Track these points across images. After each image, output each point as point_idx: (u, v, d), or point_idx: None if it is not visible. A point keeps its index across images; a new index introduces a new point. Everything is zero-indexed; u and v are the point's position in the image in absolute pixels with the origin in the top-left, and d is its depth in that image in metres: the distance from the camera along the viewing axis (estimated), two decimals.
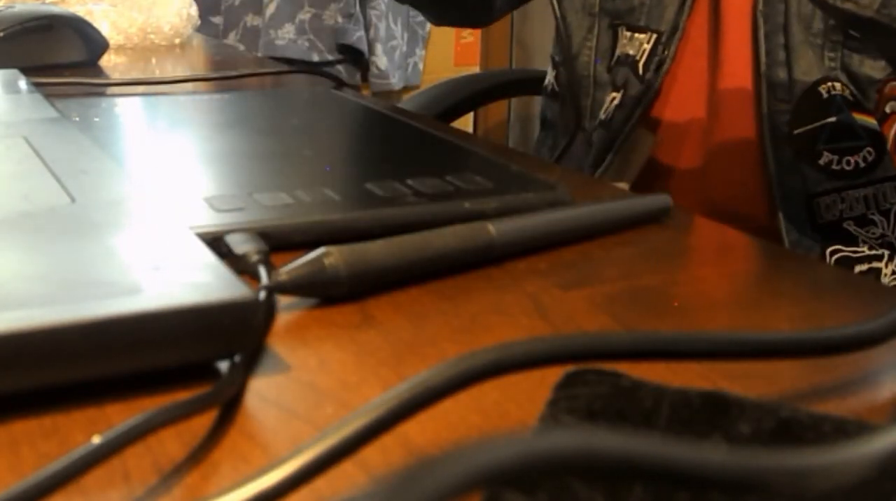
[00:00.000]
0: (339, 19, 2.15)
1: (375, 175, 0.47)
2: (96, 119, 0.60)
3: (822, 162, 0.74)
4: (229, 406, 0.27)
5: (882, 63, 0.73)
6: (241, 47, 2.01)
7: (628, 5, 0.81)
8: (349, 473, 0.24)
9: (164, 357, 0.28)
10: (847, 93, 0.74)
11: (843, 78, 0.74)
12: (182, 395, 0.26)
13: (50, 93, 0.63)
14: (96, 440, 0.23)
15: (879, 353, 0.30)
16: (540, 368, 0.25)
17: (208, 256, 0.31)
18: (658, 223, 0.46)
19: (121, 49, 0.98)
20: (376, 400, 0.22)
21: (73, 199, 0.37)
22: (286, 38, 2.12)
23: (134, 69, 0.89)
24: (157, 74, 0.86)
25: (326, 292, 0.35)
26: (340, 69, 2.16)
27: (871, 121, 0.75)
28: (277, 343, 0.32)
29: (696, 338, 0.27)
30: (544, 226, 0.42)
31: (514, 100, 1.52)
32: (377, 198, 0.44)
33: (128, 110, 0.64)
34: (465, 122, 1.55)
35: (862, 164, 0.74)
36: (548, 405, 0.26)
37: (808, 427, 0.25)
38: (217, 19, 2.17)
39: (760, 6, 0.75)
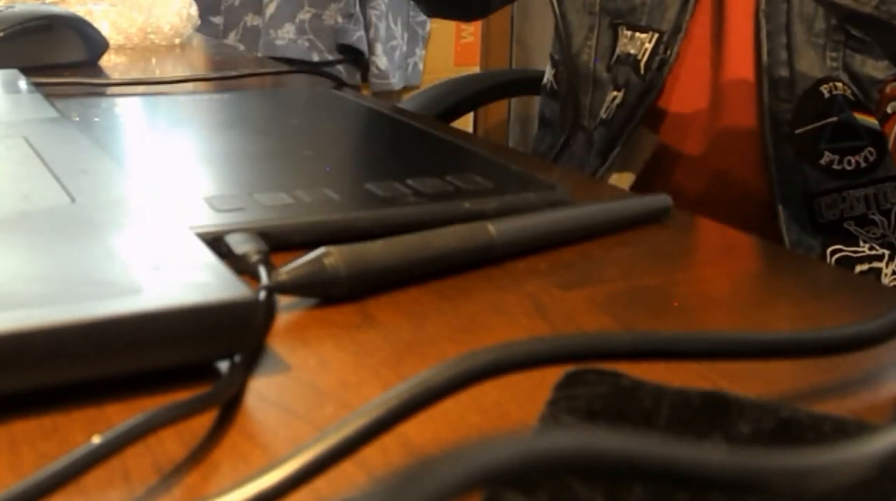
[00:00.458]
0: (339, 19, 2.15)
1: (375, 175, 0.47)
2: (96, 119, 0.60)
3: (823, 161, 0.74)
4: (229, 406, 0.27)
5: (884, 63, 0.73)
6: (241, 47, 2.01)
7: (629, 5, 0.81)
8: (349, 473, 0.24)
9: (164, 357, 0.28)
10: (848, 93, 0.74)
11: (845, 78, 0.74)
12: (182, 395, 0.26)
13: (50, 93, 0.63)
14: (96, 440, 0.23)
15: (879, 353, 0.30)
16: (540, 368, 0.25)
17: (208, 256, 0.31)
18: (658, 223, 0.46)
19: (121, 49, 0.98)
20: (376, 400, 0.22)
21: (73, 199, 0.37)
22: (286, 38, 2.12)
23: (134, 69, 0.89)
24: (157, 74, 0.86)
25: (326, 292, 0.35)
26: (340, 69, 2.16)
27: (872, 121, 0.75)
28: (277, 343, 0.32)
29: (696, 338, 0.27)
30: (544, 226, 0.42)
31: (514, 100, 1.52)
32: (377, 198, 0.44)
33: (128, 110, 0.64)
34: (465, 122, 1.55)
35: (863, 164, 0.74)
36: (548, 405, 0.26)
37: (808, 427, 0.25)
38: (217, 19, 2.17)
39: (763, 6, 0.75)
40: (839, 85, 0.74)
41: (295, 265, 0.35)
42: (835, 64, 0.74)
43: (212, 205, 0.41)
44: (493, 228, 0.40)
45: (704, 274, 0.41)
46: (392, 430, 0.22)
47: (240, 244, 0.36)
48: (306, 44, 2.13)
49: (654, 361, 0.27)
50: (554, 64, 0.91)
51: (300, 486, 0.21)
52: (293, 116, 0.64)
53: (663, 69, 0.77)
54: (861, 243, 0.74)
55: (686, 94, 0.79)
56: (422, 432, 0.26)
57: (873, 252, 0.74)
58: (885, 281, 0.74)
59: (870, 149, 0.74)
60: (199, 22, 1.07)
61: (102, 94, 0.72)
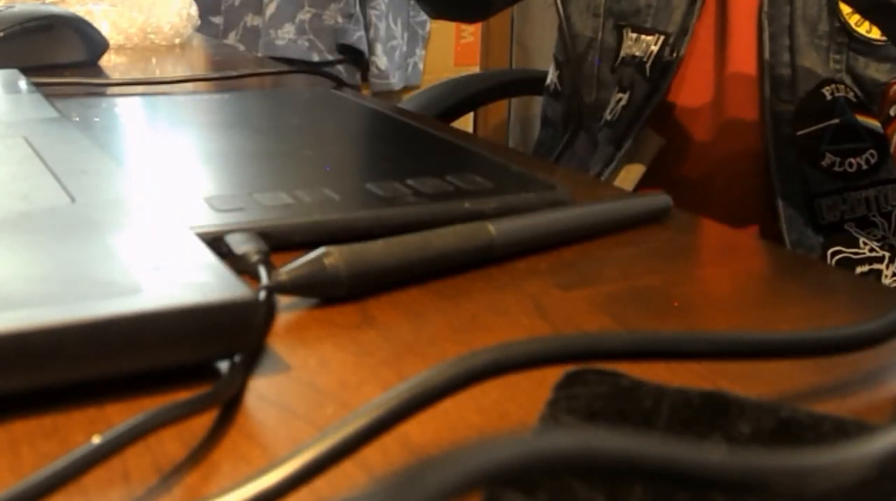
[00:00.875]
0: (339, 19, 2.15)
1: (375, 175, 0.47)
2: (96, 119, 0.60)
3: (824, 163, 0.74)
4: (229, 406, 0.27)
5: (887, 66, 0.73)
6: (241, 47, 2.01)
7: (634, 7, 0.81)
8: (349, 473, 0.24)
9: (164, 357, 0.28)
10: (851, 95, 0.74)
11: (848, 80, 0.74)
12: (182, 395, 0.26)
13: (50, 93, 0.63)
14: (96, 440, 0.23)
15: (879, 353, 0.30)
16: (540, 368, 0.25)
17: (208, 256, 0.31)
18: (658, 223, 0.46)
19: (121, 49, 0.98)
20: (376, 400, 0.22)
21: (73, 199, 0.37)
22: (286, 38, 2.12)
23: (134, 69, 0.89)
24: (157, 74, 0.86)
25: (326, 292, 0.35)
26: (340, 69, 2.16)
27: (874, 124, 0.75)
28: (277, 343, 0.32)
29: (696, 338, 0.27)
30: (544, 226, 0.42)
31: (514, 101, 1.52)
32: (377, 198, 0.44)
33: (128, 110, 0.64)
34: (465, 122, 1.55)
35: (864, 166, 0.74)
36: (548, 405, 0.26)
37: (808, 427, 0.25)
38: (217, 19, 2.17)
39: (766, 7, 0.75)
40: (842, 87, 0.74)
41: (295, 265, 0.35)
42: (837, 66, 0.74)
43: (212, 205, 0.41)
44: (493, 228, 0.40)
45: (704, 274, 0.41)
46: (392, 430, 0.22)
47: (240, 244, 0.36)
48: (306, 44, 2.13)
49: (654, 361, 0.27)
50: (558, 65, 0.91)
51: (300, 486, 0.21)
52: (293, 116, 0.64)
53: (669, 71, 0.77)
54: (861, 245, 0.74)
55: (690, 96, 0.79)
56: (422, 432, 0.26)
57: (874, 254, 0.74)
58: (886, 282, 0.74)
59: (871, 151, 0.74)
60: (199, 22, 1.07)
61: (102, 94, 0.72)
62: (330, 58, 2.15)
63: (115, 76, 0.84)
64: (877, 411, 0.29)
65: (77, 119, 0.59)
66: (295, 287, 0.34)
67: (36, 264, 0.31)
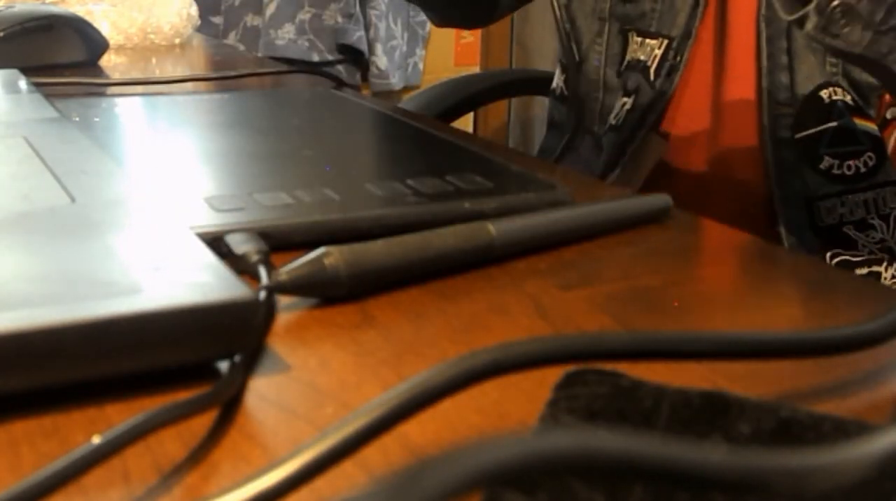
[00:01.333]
0: (339, 19, 2.15)
1: (375, 175, 0.48)
2: (96, 119, 0.60)
3: (822, 166, 0.74)
4: (229, 406, 0.27)
5: None
6: (241, 47, 2.01)
7: (639, 11, 0.80)
8: (349, 473, 0.24)
9: (164, 357, 0.28)
10: (848, 98, 0.74)
11: (845, 84, 0.74)
12: (182, 395, 0.26)
13: (50, 93, 0.63)
14: (96, 440, 0.23)
15: (879, 353, 0.30)
16: (540, 368, 0.25)
17: (208, 256, 0.31)
18: (658, 223, 0.46)
19: (121, 49, 0.98)
20: (376, 400, 0.22)
21: (73, 199, 0.37)
22: (286, 38, 2.12)
23: (134, 69, 0.89)
24: (157, 74, 0.86)
25: (326, 292, 0.35)
26: (340, 69, 2.16)
27: (871, 127, 0.75)
28: (277, 343, 0.32)
29: (696, 338, 0.27)
30: (544, 226, 0.42)
31: (514, 101, 1.52)
32: (377, 198, 0.44)
33: (128, 110, 0.64)
34: (465, 122, 1.55)
35: (862, 169, 0.74)
36: (548, 405, 0.26)
37: (808, 427, 0.25)
38: (217, 19, 2.17)
39: (763, 10, 0.75)
40: (839, 90, 0.74)
41: (295, 265, 0.35)
42: (834, 69, 0.74)
43: (212, 205, 0.41)
44: (493, 228, 0.40)
45: (704, 274, 0.41)
46: (392, 430, 0.22)
47: (240, 244, 0.36)
48: (306, 44, 2.13)
49: (654, 361, 0.27)
50: (563, 69, 0.91)
51: (300, 486, 0.21)
52: (293, 116, 0.64)
53: (674, 75, 0.77)
54: (860, 247, 0.75)
55: (694, 100, 0.79)
56: (422, 432, 0.26)
57: (872, 256, 0.74)
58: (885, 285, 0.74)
59: (869, 154, 0.74)
60: (199, 22, 1.07)
61: (102, 94, 0.72)
62: (330, 58, 2.15)
63: (115, 76, 0.84)
64: (877, 411, 0.29)
65: (77, 119, 0.59)
66: (295, 287, 0.34)
67: (36, 264, 0.31)
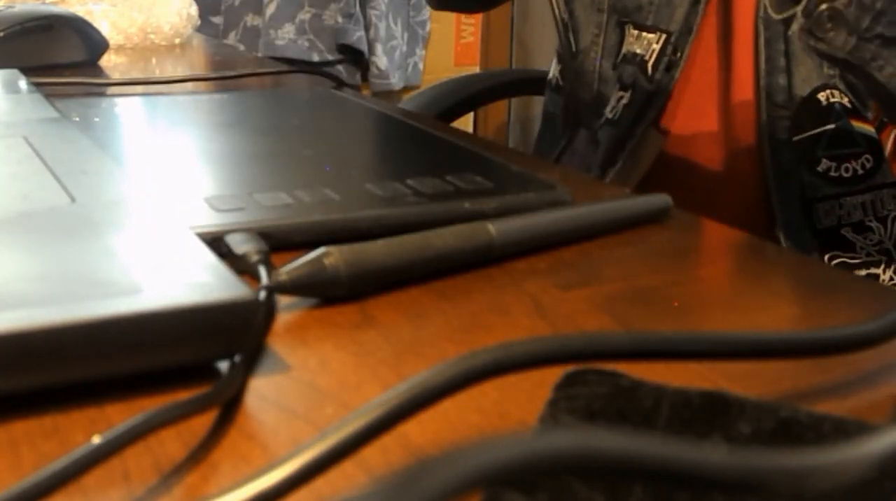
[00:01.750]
0: (339, 19, 2.15)
1: (375, 175, 0.48)
2: (96, 119, 0.60)
3: (820, 168, 0.74)
4: (229, 406, 0.27)
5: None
6: (241, 47, 2.01)
7: (636, 3, 0.80)
8: (349, 473, 0.24)
9: (164, 357, 0.28)
10: (846, 101, 0.74)
11: (842, 86, 0.74)
12: (182, 395, 0.26)
13: (50, 93, 0.63)
14: (96, 440, 0.23)
15: (879, 353, 0.30)
16: (540, 368, 0.25)
17: (208, 256, 0.31)
18: (658, 223, 0.46)
19: (121, 49, 0.98)
20: (376, 400, 0.22)
21: (73, 199, 0.37)
22: (286, 38, 2.12)
23: (134, 69, 0.89)
24: (157, 74, 0.86)
25: (326, 292, 0.35)
26: (340, 69, 2.16)
27: (869, 129, 0.75)
28: (277, 343, 0.32)
29: (696, 338, 0.27)
30: (544, 226, 0.42)
31: (514, 101, 1.53)
32: (377, 198, 0.44)
33: (128, 110, 0.64)
34: (465, 122, 1.55)
35: (860, 171, 0.74)
36: (548, 405, 0.26)
37: (808, 427, 0.25)
38: (217, 19, 2.17)
39: (762, 12, 0.75)
40: (836, 93, 0.74)
41: (295, 265, 0.35)
42: (832, 72, 0.74)
43: (212, 205, 0.41)
44: (493, 228, 0.40)
45: (704, 274, 0.41)
46: (392, 430, 0.22)
47: (240, 244, 0.36)
48: (306, 44, 2.13)
49: (654, 361, 0.27)
50: (560, 59, 0.91)
51: (300, 486, 0.21)
52: (293, 116, 0.64)
53: (673, 71, 0.77)
54: (858, 250, 0.75)
55: (695, 96, 0.79)
56: (422, 432, 0.26)
57: (870, 258, 0.74)
58: None
59: (867, 156, 0.74)
60: (199, 22, 1.07)
61: (102, 94, 0.72)
62: (330, 58, 2.15)
63: (115, 76, 0.84)
64: (877, 411, 0.29)
65: (77, 119, 0.59)
66: (295, 287, 0.34)
67: (36, 264, 0.31)
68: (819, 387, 0.30)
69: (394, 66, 2.23)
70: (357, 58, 2.19)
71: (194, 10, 1.05)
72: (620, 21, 0.82)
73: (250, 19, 2.16)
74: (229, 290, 0.29)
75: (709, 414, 0.26)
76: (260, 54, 1.96)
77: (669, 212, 0.47)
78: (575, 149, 0.86)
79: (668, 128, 0.79)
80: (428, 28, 2.36)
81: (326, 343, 0.32)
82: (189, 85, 0.77)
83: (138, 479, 0.24)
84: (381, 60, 2.19)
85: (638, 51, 0.79)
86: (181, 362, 0.28)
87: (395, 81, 2.23)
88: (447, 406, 0.24)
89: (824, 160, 0.74)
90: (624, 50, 0.81)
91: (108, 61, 0.90)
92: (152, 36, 1.00)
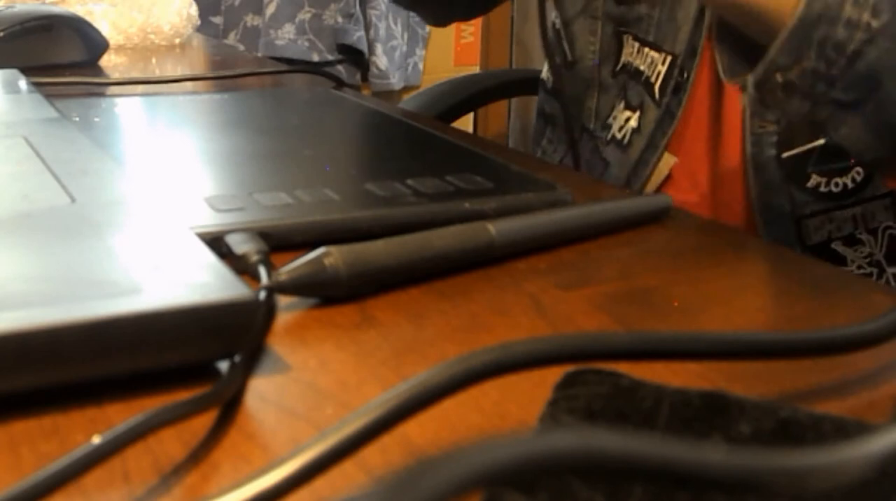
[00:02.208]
0: (339, 19, 2.15)
1: (375, 175, 0.47)
2: (96, 119, 0.60)
3: (809, 184, 0.73)
4: (229, 406, 0.27)
5: None
6: (241, 47, 2.01)
7: (634, 14, 0.79)
8: (349, 473, 0.24)
9: (164, 357, 0.28)
10: None
11: None
12: (182, 395, 0.26)
13: (50, 93, 0.63)
14: (96, 440, 0.23)
15: (879, 353, 0.30)
16: (540, 368, 0.25)
17: (208, 256, 0.31)
18: (658, 223, 0.46)
19: (121, 49, 0.98)
20: (376, 400, 0.22)
21: (73, 199, 0.37)
22: (286, 38, 2.12)
23: (134, 69, 0.89)
24: (157, 74, 0.86)
25: (326, 292, 0.35)
26: (340, 69, 2.16)
27: None
28: (277, 343, 0.32)
29: (696, 338, 0.27)
30: (544, 226, 0.42)
31: (514, 101, 1.52)
32: (377, 198, 0.44)
33: (128, 110, 0.64)
34: (465, 122, 1.55)
35: (850, 185, 0.73)
36: (548, 405, 0.26)
37: (808, 427, 0.25)
38: (217, 19, 2.17)
39: None
40: None
41: (295, 265, 0.35)
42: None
43: (212, 205, 0.41)
44: (493, 228, 0.40)
45: (704, 275, 0.41)
46: (392, 430, 0.22)
47: (240, 244, 0.36)
48: (306, 44, 2.13)
49: (654, 361, 0.27)
50: (552, 65, 0.90)
51: (300, 486, 0.21)
52: (293, 116, 0.64)
53: (680, 93, 0.76)
54: (849, 263, 0.74)
55: (697, 117, 0.78)
56: (422, 432, 0.26)
57: (862, 271, 0.74)
58: None
59: (857, 169, 0.73)
60: (199, 22, 1.07)
61: (102, 94, 0.72)
62: (330, 58, 2.15)
63: (115, 76, 0.84)
64: (877, 411, 0.29)
65: (77, 119, 0.59)
66: (295, 287, 0.34)
67: (36, 264, 0.31)
68: (819, 387, 0.30)
69: (394, 66, 2.23)
70: (357, 58, 2.19)
71: (194, 10, 1.05)
72: (618, 30, 0.81)
73: (250, 19, 2.16)
74: (229, 290, 0.29)
75: (709, 415, 0.26)
76: (260, 54, 1.96)
77: (669, 212, 0.47)
78: (579, 153, 0.85)
79: (678, 151, 0.78)
80: (428, 28, 2.36)
81: (326, 343, 0.32)
82: (189, 85, 0.77)
83: (138, 479, 0.24)
84: (381, 60, 2.19)
85: (641, 67, 0.79)
86: (181, 362, 0.28)
87: (395, 81, 2.23)
88: (447, 406, 0.24)
89: (814, 176, 0.73)
90: (623, 60, 0.81)
91: (108, 61, 0.90)
92: (152, 36, 1.00)
